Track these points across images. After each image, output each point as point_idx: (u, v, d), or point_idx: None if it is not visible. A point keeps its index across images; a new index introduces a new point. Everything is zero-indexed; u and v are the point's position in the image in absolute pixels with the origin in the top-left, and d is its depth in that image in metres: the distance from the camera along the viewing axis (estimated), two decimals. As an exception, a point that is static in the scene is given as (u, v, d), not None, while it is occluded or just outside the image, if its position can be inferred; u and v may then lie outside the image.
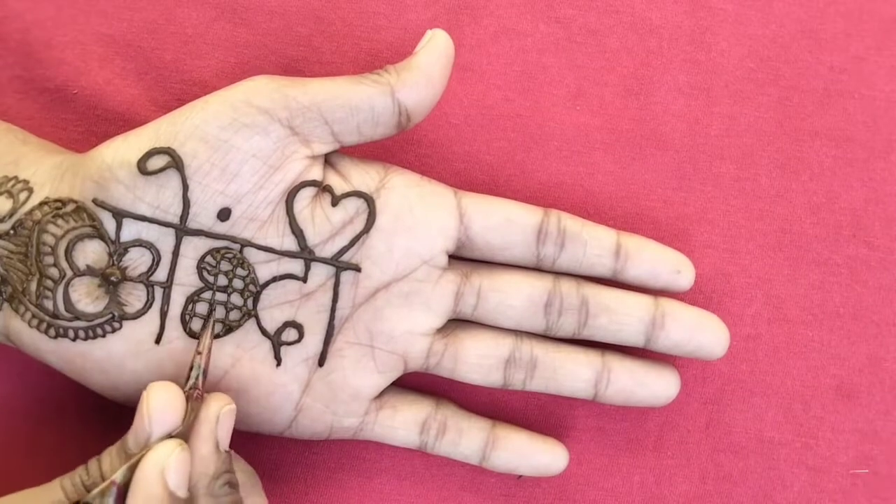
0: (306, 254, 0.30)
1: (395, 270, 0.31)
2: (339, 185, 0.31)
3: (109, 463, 0.27)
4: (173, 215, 0.29)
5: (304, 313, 0.31)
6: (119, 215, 0.29)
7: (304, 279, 0.31)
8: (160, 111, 0.35)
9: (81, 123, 0.35)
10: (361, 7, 0.36)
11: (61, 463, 0.35)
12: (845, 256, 0.36)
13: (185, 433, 0.27)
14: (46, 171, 0.30)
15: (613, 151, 0.36)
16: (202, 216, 0.29)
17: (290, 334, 0.31)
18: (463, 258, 0.33)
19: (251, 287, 0.30)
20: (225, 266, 0.30)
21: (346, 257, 0.31)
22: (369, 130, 0.30)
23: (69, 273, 0.29)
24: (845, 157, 0.36)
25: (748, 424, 0.35)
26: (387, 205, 0.31)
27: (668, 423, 0.35)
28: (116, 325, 0.29)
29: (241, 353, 0.30)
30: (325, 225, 0.31)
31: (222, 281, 0.30)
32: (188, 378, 0.28)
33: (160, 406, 0.27)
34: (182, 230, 0.29)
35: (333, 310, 0.31)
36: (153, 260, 0.30)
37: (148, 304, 0.30)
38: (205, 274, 0.30)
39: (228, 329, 0.30)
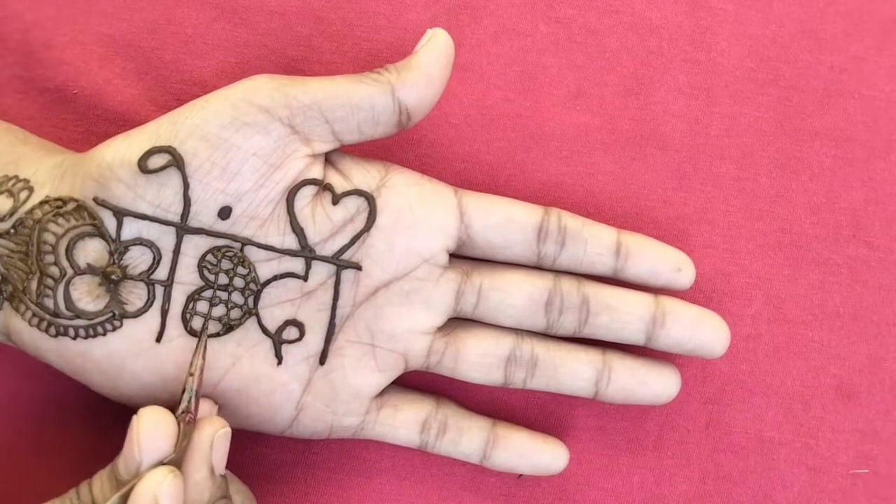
0: (307, 252, 0.30)
1: (396, 269, 0.31)
2: (339, 184, 0.31)
3: (100, 488, 0.27)
4: (174, 214, 0.29)
5: (304, 312, 0.31)
6: (120, 214, 0.29)
7: (305, 278, 0.31)
8: (160, 111, 0.35)
9: (81, 123, 0.35)
10: (361, 7, 0.36)
11: (63, 463, 0.35)
12: (845, 256, 0.36)
13: (177, 459, 0.27)
14: (47, 170, 0.30)
15: (613, 151, 0.36)
16: (203, 215, 0.29)
17: (291, 333, 0.31)
18: (463, 257, 0.33)
19: (252, 286, 0.30)
20: (226, 264, 0.30)
21: (346, 256, 0.31)
22: (370, 129, 0.30)
23: (70, 272, 0.29)
24: (845, 157, 0.36)
25: (748, 424, 0.35)
26: (387, 203, 0.31)
27: (668, 423, 0.35)
28: (117, 323, 0.29)
29: (241, 352, 0.30)
30: (325, 223, 0.31)
31: (223, 279, 0.30)
32: (180, 401, 0.28)
33: (151, 432, 0.26)
34: (183, 229, 0.29)
35: (334, 308, 0.31)
36: (154, 258, 0.30)
37: (149, 303, 0.30)
38: (205, 272, 0.30)
39: (229, 328, 0.30)
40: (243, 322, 0.30)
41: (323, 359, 0.31)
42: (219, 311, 0.30)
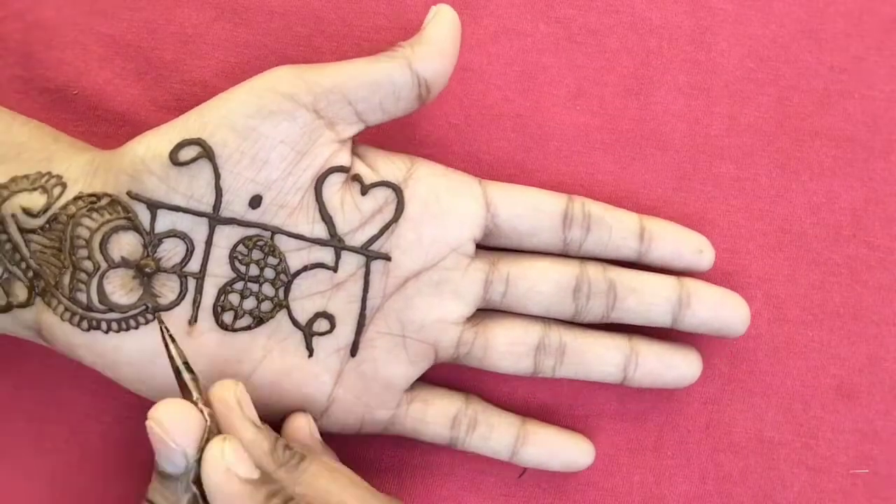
0: (336, 242, 0.31)
1: (425, 259, 0.31)
2: (367, 175, 0.31)
3: (163, 497, 0.27)
4: (206, 205, 0.30)
5: (335, 304, 0.31)
6: (153, 206, 0.29)
7: (335, 269, 0.31)
8: (160, 111, 0.35)
9: (81, 123, 0.35)
10: (361, 7, 0.36)
11: (64, 463, 0.35)
12: (845, 256, 0.36)
13: (214, 435, 0.27)
14: (79, 166, 0.30)
15: (613, 151, 0.36)
16: (234, 204, 0.30)
17: (322, 325, 0.31)
18: (488, 248, 0.33)
19: (282, 276, 0.31)
20: (257, 255, 0.30)
21: (375, 247, 0.31)
22: (391, 106, 0.30)
23: (104, 265, 0.29)
24: (845, 157, 0.36)
25: (748, 424, 0.35)
26: (415, 194, 0.31)
27: (668, 423, 0.35)
28: (150, 316, 0.30)
29: (272, 345, 0.31)
30: (354, 213, 0.31)
31: (254, 271, 0.30)
32: (187, 392, 0.28)
33: (177, 422, 0.27)
34: (215, 219, 0.30)
35: (364, 299, 0.31)
36: (187, 250, 0.30)
37: (181, 296, 0.30)
38: (237, 263, 0.30)
39: (259, 320, 0.30)
40: (274, 315, 0.31)
41: (354, 350, 0.31)
42: (249, 303, 0.30)
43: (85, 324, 0.29)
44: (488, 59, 0.36)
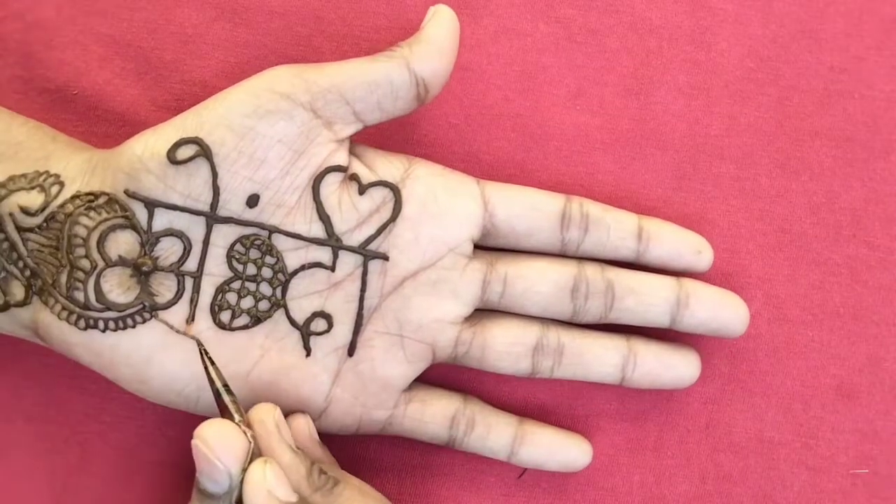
0: (333, 241, 0.31)
1: (423, 259, 0.31)
2: (365, 175, 0.31)
3: None
4: (203, 203, 0.30)
5: (332, 303, 0.31)
6: (151, 205, 0.29)
7: (333, 268, 0.31)
8: (160, 111, 0.35)
9: (81, 123, 0.35)
10: (361, 7, 0.36)
11: (64, 463, 0.35)
12: (845, 256, 0.36)
13: (256, 457, 0.28)
14: (77, 165, 0.30)
15: (613, 151, 0.36)
16: (232, 203, 0.30)
17: (319, 324, 0.31)
18: (486, 248, 0.33)
19: (280, 276, 0.31)
20: (254, 254, 0.30)
21: (373, 246, 0.31)
22: (390, 105, 0.30)
23: (101, 264, 0.30)
24: (845, 157, 0.36)
25: (748, 424, 0.35)
26: (412, 194, 0.31)
27: (668, 423, 0.35)
28: (147, 315, 0.30)
29: (270, 344, 0.31)
30: (351, 213, 0.31)
31: (251, 270, 0.30)
32: (228, 413, 0.28)
33: (223, 442, 0.27)
34: (213, 218, 0.30)
35: (362, 299, 0.31)
36: (184, 249, 0.30)
37: (178, 295, 0.30)
38: (234, 262, 0.30)
39: (257, 320, 0.31)
40: (272, 314, 0.31)
41: (352, 350, 0.31)
42: (247, 302, 0.30)
43: (82, 322, 0.29)
44: (488, 59, 0.36)
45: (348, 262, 0.31)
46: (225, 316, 0.30)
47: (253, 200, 0.30)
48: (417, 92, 0.30)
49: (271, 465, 0.27)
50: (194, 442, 0.27)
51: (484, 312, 0.33)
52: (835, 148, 0.36)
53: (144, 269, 0.30)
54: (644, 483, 0.35)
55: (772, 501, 0.35)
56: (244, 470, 0.27)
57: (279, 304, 0.31)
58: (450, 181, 0.32)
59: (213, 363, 0.29)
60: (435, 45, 0.30)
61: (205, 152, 0.29)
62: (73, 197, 0.29)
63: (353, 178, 0.31)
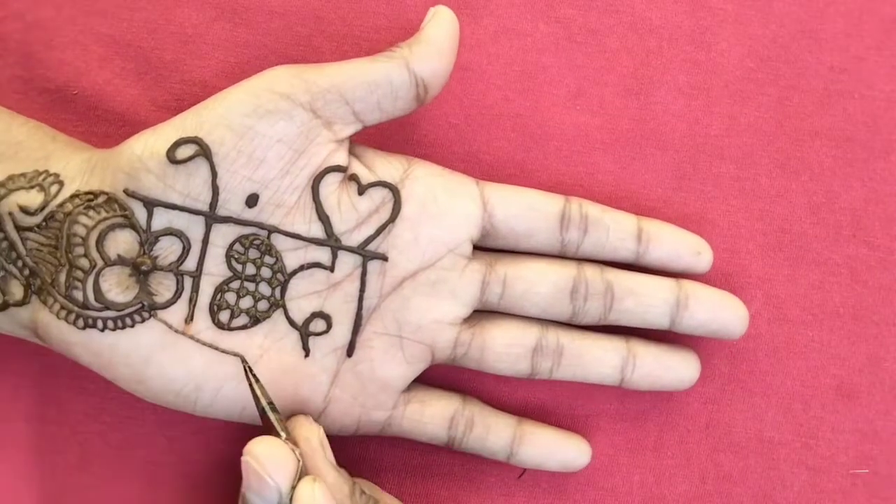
0: (332, 241, 0.31)
1: (422, 259, 0.31)
2: (364, 175, 0.31)
3: None
4: (203, 203, 0.30)
5: (331, 304, 0.31)
6: (150, 204, 0.29)
7: (332, 269, 0.31)
8: (160, 111, 0.35)
9: (81, 123, 0.35)
10: (361, 7, 0.36)
11: (64, 463, 0.35)
12: (845, 256, 0.36)
13: (303, 475, 0.28)
14: (76, 165, 0.30)
15: (613, 151, 0.36)
16: (231, 203, 0.30)
17: (318, 325, 0.31)
18: (485, 249, 0.33)
19: (279, 276, 0.31)
20: (253, 253, 0.30)
21: (372, 247, 0.31)
22: (389, 105, 0.30)
23: (100, 263, 0.30)
24: (845, 157, 0.36)
25: (748, 424, 0.35)
26: (412, 194, 0.31)
27: (668, 423, 0.35)
28: (146, 314, 0.30)
29: (268, 344, 0.31)
30: (351, 213, 0.31)
31: (250, 270, 0.30)
32: (275, 431, 0.29)
33: (273, 460, 0.27)
34: (212, 217, 0.30)
35: (361, 300, 0.31)
36: (183, 249, 0.30)
37: (177, 294, 0.30)
38: (233, 262, 0.30)
39: (256, 320, 0.31)
40: (270, 314, 0.31)
41: (350, 351, 0.31)
42: (246, 302, 0.31)
43: (81, 322, 0.29)
44: (488, 59, 0.36)
45: (347, 262, 0.31)
46: (224, 316, 0.30)
47: (252, 200, 0.30)
48: (417, 92, 0.30)
49: (320, 483, 0.27)
50: (245, 458, 0.27)
51: (483, 313, 0.33)
52: (835, 148, 0.36)
53: (143, 268, 0.30)
54: (644, 483, 0.35)
55: (772, 501, 0.35)
56: (293, 488, 0.27)
57: (278, 304, 0.31)
58: (449, 182, 0.32)
59: (257, 380, 0.29)
60: (435, 46, 0.30)
61: (204, 152, 0.29)
62: (73, 196, 0.29)
63: (353, 178, 0.31)
